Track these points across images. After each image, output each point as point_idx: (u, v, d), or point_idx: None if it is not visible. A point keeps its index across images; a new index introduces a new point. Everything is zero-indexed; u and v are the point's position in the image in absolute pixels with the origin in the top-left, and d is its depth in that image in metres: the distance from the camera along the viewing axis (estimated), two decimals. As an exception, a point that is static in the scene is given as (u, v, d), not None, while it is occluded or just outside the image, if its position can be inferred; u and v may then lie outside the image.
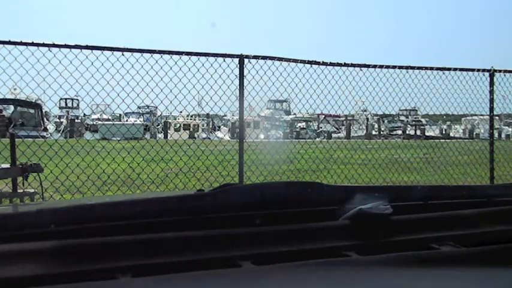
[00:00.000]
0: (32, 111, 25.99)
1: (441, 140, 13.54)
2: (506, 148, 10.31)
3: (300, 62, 7.10)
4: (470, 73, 8.11)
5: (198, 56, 6.51)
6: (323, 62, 7.22)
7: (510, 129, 33.35)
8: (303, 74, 7.22)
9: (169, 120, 27.91)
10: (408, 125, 36.05)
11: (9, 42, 5.68)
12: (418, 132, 33.07)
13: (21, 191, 5.08)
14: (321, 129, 31.65)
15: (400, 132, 34.21)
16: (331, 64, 7.28)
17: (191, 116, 25.15)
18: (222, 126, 32.41)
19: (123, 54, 6.10)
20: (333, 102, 7.62)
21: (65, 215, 1.09)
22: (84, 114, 33.87)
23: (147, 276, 0.90)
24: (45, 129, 23.67)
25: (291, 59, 7.01)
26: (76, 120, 30.91)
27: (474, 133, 32.56)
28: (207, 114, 27.30)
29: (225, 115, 24.69)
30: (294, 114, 31.46)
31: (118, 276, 0.90)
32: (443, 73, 7.93)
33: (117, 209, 1.16)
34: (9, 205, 3.22)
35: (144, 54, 6.23)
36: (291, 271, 0.98)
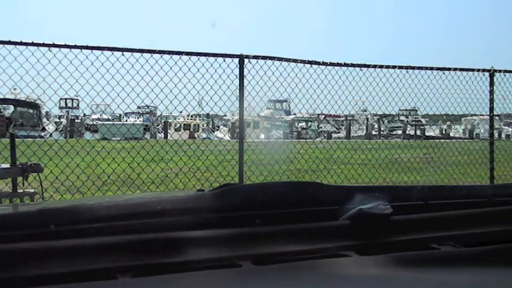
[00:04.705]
0: (31, 111, 26.02)
1: (441, 140, 13.54)
2: (506, 148, 10.30)
3: (300, 62, 7.10)
4: (470, 73, 8.11)
5: (198, 56, 6.52)
6: (323, 62, 7.22)
7: (510, 129, 33.37)
8: (303, 74, 7.24)
9: (170, 120, 27.94)
10: (408, 125, 36.07)
11: (9, 42, 5.68)
12: (418, 132, 33.10)
13: (21, 191, 5.08)
14: (321, 129, 31.67)
15: (400, 132, 34.24)
16: (331, 64, 7.28)
17: (191, 116, 25.16)
18: (222, 126, 32.40)
19: (123, 54, 6.11)
20: (333, 102, 7.64)
21: (65, 215, 1.09)
22: (84, 114, 33.91)
23: (147, 276, 0.90)
24: (43, 129, 23.71)
25: (291, 59, 7.01)
26: (76, 120, 30.94)
27: (474, 133, 32.58)
28: (207, 114, 27.31)
29: (225, 115, 24.69)
30: (294, 114, 31.45)
31: (118, 276, 0.90)
32: (443, 73, 7.93)
33: (117, 209, 1.16)
34: (9, 205, 3.22)
35: (144, 54, 6.24)
36: (291, 271, 0.98)
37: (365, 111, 32.00)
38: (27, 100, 23.30)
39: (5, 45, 5.68)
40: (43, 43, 5.78)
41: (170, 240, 1.00)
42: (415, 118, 36.00)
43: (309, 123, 32.78)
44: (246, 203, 1.20)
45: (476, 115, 19.61)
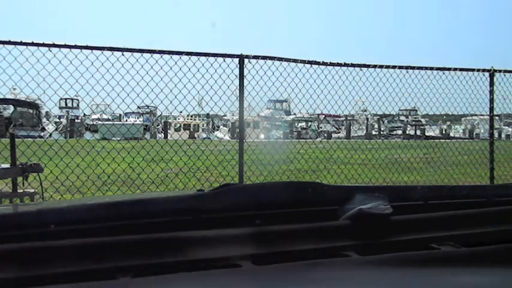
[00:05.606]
0: (31, 111, 26.02)
1: (441, 140, 13.54)
2: (506, 148, 10.31)
3: (300, 62, 7.10)
4: (470, 73, 8.11)
5: (198, 56, 6.51)
6: (323, 62, 7.22)
7: (510, 129, 33.37)
8: (303, 74, 7.24)
9: (170, 120, 27.94)
10: (408, 125, 36.06)
11: (9, 42, 5.68)
12: (418, 132, 33.10)
13: (21, 191, 5.08)
14: (321, 129, 31.67)
15: (400, 132, 34.24)
16: (331, 64, 7.28)
17: (191, 116, 25.17)
18: (222, 126, 32.41)
19: (123, 54, 6.10)
20: (333, 102, 7.63)
21: (65, 215, 1.09)
22: (84, 114, 33.90)
23: (147, 276, 0.90)
24: (43, 129, 23.72)
25: (291, 59, 7.01)
26: (76, 120, 30.93)
27: (474, 133, 32.59)
28: (207, 114, 27.32)
29: (225, 115, 24.69)
30: (294, 114, 31.45)
31: (118, 276, 0.90)
32: (443, 73, 7.93)
33: (117, 209, 1.16)
34: (9, 205, 3.22)
35: (144, 54, 6.24)
36: (291, 271, 0.98)
37: (365, 111, 32.03)
38: (27, 100, 23.29)
39: (5, 45, 5.68)
40: (43, 43, 5.78)
41: (170, 240, 1.00)
42: (415, 118, 36.00)
43: (309, 123, 32.77)
44: (246, 203, 1.20)
45: (476, 115, 19.60)
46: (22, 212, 1.32)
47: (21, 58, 5.75)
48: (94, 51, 6.01)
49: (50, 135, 19.76)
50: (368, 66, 7.48)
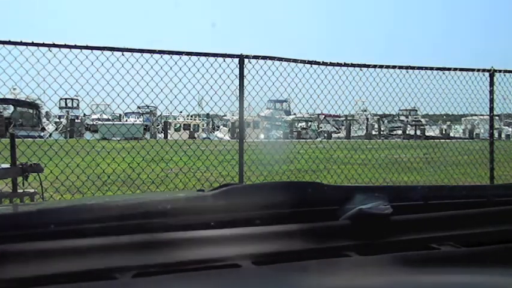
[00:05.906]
0: (31, 111, 26.06)
1: (441, 140, 13.55)
2: (506, 148, 10.30)
3: (300, 62, 7.10)
4: (470, 73, 8.11)
5: (198, 56, 6.52)
6: (323, 62, 7.22)
7: (510, 129, 33.39)
8: (303, 74, 7.24)
9: (170, 120, 27.95)
10: (408, 125, 36.08)
11: (9, 42, 5.68)
12: (418, 132, 33.12)
13: (21, 191, 5.09)
14: (321, 129, 31.69)
15: (400, 132, 34.25)
16: (331, 64, 7.28)
17: (191, 116, 25.18)
18: (222, 126, 32.43)
19: (123, 54, 6.11)
20: (333, 102, 7.63)
21: (65, 215, 1.09)
22: (84, 114, 33.93)
23: (147, 276, 0.90)
24: (43, 129, 23.76)
25: (291, 59, 7.01)
26: (76, 120, 30.95)
27: (474, 133, 32.61)
28: (207, 114, 27.34)
29: (225, 115, 24.71)
30: (294, 114, 31.46)
31: (118, 276, 0.90)
32: (443, 73, 7.93)
33: (117, 209, 1.16)
34: (9, 205, 3.22)
35: (144, 54, 6.24)
36: (291, 271, 0.98)
37: (365, 111, 32.06)
38: (27, 100, 23.32)
39: (5, 45, 5.68)
40: (43, 43, 5.78)
41: (170, 240, 1.00)
42: (415, 118, 36.01)
43: (309, 123, 32.78)
44: (246, 203, 1.20)
45: (476, 115, 19.60)
46: (22, 212, 1.32)
47: (21, 58, 5.76)
48: (94, 51, 6.01)
49: (50, 135, 19.78)
50: (368, 66, 7.48)
